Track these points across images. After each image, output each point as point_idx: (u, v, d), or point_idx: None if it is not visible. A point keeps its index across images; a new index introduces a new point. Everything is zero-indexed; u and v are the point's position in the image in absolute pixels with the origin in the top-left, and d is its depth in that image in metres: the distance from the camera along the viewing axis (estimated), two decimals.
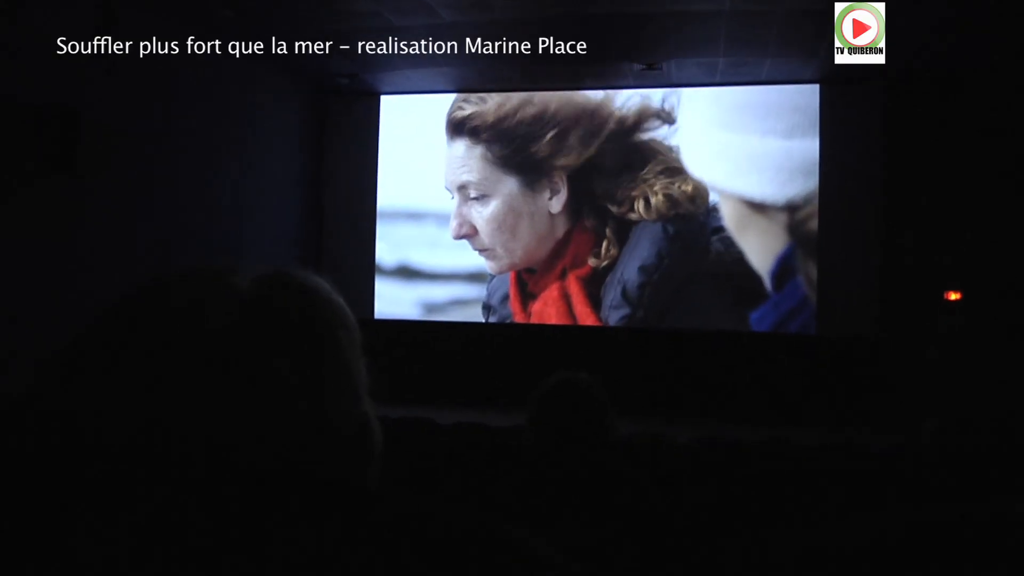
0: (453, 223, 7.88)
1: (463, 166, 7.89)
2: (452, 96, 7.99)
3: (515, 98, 7.85)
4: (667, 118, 7.59)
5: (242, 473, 0.53)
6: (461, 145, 7.95)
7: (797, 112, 7.32)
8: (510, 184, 7.79)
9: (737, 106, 7.41)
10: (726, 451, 3.61)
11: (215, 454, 0.52)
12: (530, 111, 7.82)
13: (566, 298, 7.70)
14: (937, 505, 0.67)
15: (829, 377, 7.14)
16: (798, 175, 7.26)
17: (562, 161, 7.71)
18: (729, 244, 7.40)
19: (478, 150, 7.88)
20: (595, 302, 7.68)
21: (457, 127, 7.97)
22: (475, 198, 7.82)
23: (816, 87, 7.34)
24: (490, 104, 7.90)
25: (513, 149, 7.80)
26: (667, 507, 1.74)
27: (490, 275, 7.96)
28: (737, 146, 7.36)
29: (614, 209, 7.63)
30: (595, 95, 7.74)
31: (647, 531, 1.66)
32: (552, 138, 7.74)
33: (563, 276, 7.72)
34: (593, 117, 7.71)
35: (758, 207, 7.33)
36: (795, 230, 7.32)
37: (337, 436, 0.58)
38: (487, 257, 7.89)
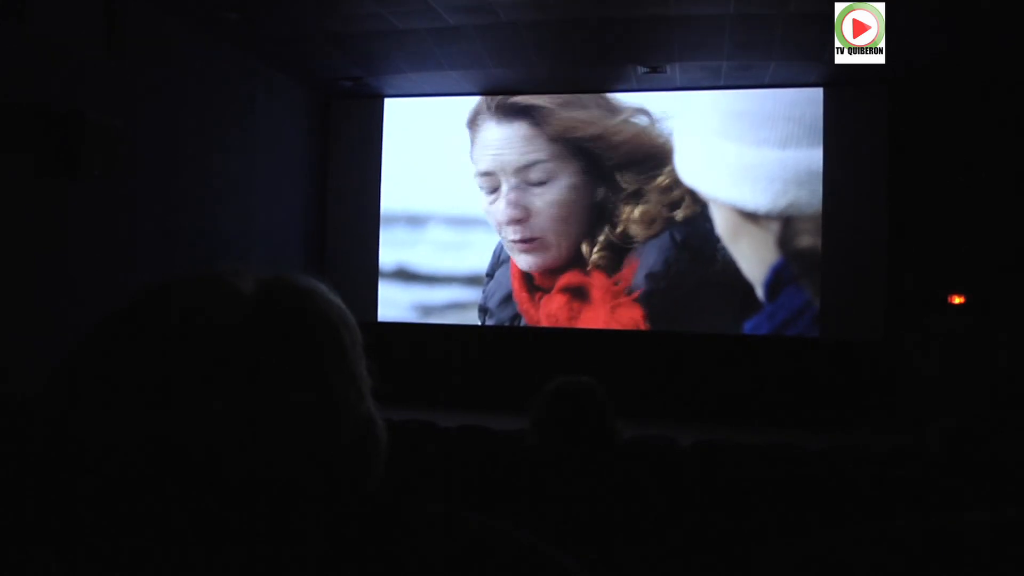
0: (505, 207, 7.64)
1: (527, 146, 7.67)
2: (456, 99, 7.98)
3: (580, 115, 7.68)
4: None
5: (249, 476, 0.53)
6: (523, 125, 7.73)
7: (791, 122, 7.28)
8: (575, 168, 7.62)
9: (732, 115, 7.38)
10: (730, 455, 3.60)
11: (222, 457, 0.52)
12: (591, 131, 7.65)
13: (584, 288, 7.63)
14: (943, 512, 0.66)
15: (835, 381, 7.12)
16: (792, 185, 7.23)
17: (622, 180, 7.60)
18: (728, 253, 7.40)
19: (547, 130, 7.68)
20: (611, 305, 7.60)
21: (519, 110, 7.76)
22: (537, 182, 7.61)
23: (819, 91, 7.33)
24: (560, 113, 7.71)
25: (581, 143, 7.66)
26: (671, 511, 1.74)
27: (487, 278, 7.90)
28: (731, 155, 7.33)
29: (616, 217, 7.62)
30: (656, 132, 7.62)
31: (651, 535, 1.65)
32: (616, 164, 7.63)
33: (585, 270, 7.66)
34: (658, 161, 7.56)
35: (751, 216, 7.31)
36: (789, 241, 7.29)
37: (343, 438, 0.58)
38: (528, 249, 7.66)
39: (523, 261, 7.74)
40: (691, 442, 3.77)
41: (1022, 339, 6.51)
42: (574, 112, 7.70)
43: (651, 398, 7.08)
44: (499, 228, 7.77)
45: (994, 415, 5.96)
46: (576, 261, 7.67)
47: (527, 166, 7.66)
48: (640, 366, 7.40)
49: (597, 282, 7.61)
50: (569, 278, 7.67)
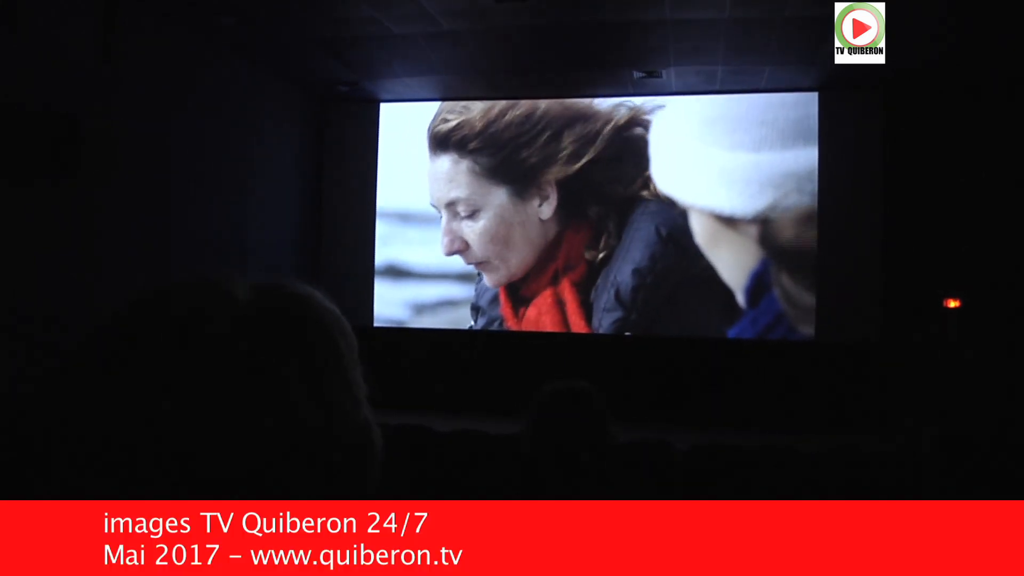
0: (444, 240, 7.84)
1: (450, 182, 7.84)
2: (451, 104, 7.99)
3: (501, 102, 7.82)
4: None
5: (246, 481, 0.53)
6: (446, 161, 7.88)
7: (766, 126, 7.31)
8: (500, 195, 7.75)
9: (709, 119, 7.40)
10: (726, 458, 3.60)
11: (219, 462, 0.52)
12: (518, 112, 7.78)
13: (560, 304, 7.69)
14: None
15: (831, 384, 7.12)
16: (771, 188, 7.26)
17: (555, 170, 7.68)
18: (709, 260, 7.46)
19: (464, 164, 7.83)
20: (588, 309, 7.67)
21: (441, 141, 7.91)
22: (466, 216, 7.77)
23: (805, 94, 7.36)
24: (475, 111, 7.84)
25: (502, 158, 7.76)
26: None
27: (479, 275, 7.95)
28: (710, 160, 7.35)
29: (620, 190, 7.58)
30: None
31: None
32: (544, 142, 7.71)
33: (556, 281, 7.70)
34: (587, 122, 7.68)
35: (729, 222, 7.34)
36: (770, 241, 7.31)
37: (339, 443, 0.58)
38: (483, 270, 7.85)
39: (487, 279, 7.87)
40: (687, 446, 3.77)
41: (1018, 342, 6.52)
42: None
43: (646, 402, 7.07)
44: None
45: (989, 419, 5.97)
46: (552, 276, 7.73)
47: (453, 202, 7.83)
48: (635, 370, 7.40)
49: (572, 306, 7.68)
50: (543, 299, 7.73)
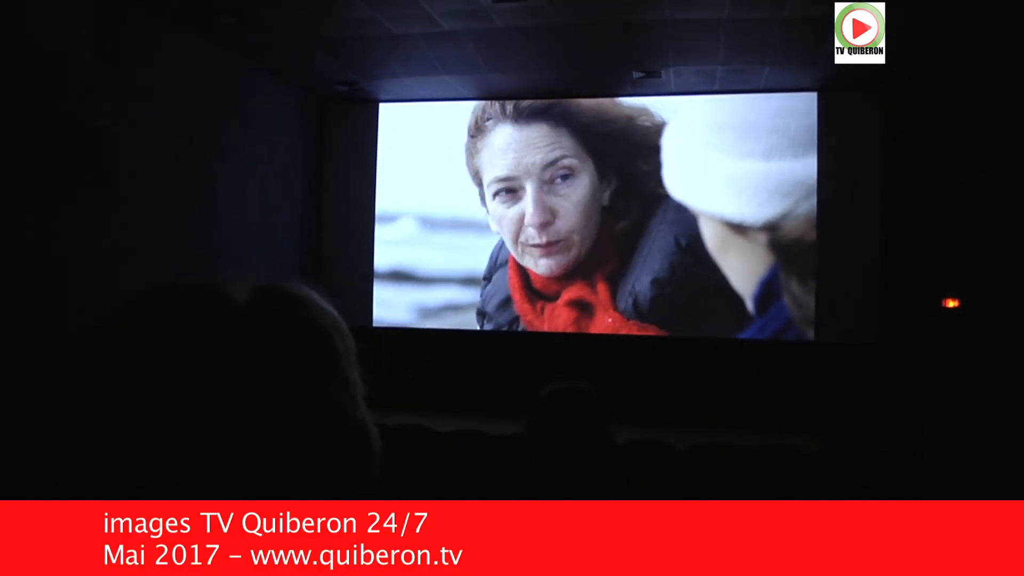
0: (533, 209, 7.64)
1: (551, 144, 7.70)
2: (451, 104, 7.99)
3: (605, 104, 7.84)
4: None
5: (246, 481, 0.53)
6: (543, 126, 7.73)
7: (777, 133, 7.30)
8: (590, 166, 7.67)
9: (719, 126, 7.40)
10: (726, 458, 3.60)
11: (218, 462, 0.53)
12: (605, 102, 7.74)
13: (589, 301, 7.63)
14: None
15: (831, 384, 7.13)
16: (779, 195, 7.26)
17: (617, 160, 7.66)
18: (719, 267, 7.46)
19: (565, 128, 7.71)
20: (616, 307, 7.60)
21: (536, 112, 7.77)
22: (563, 176, 7.61)
23: (809, 100, 7.35)
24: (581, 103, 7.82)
25: (591, 133, 7.71)
26: None
27: (484, 281, 7.90)
28: (720, 166, 7.34)
29: (641, 192, 7.58)
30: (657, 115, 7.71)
31: None
32: (620, 132, 7.67)
33: (588, 276, 7.65)
34: (645, 120, 7.66)
35: (739, 229, 7.33)
36: (778, 248, 7.30)
37: (339, 443, 0.58)
38: (549, 252, 7.65)
39: (543, 265, 7.69)
40: (687, 446, 3.77)
41: (1018, 343, 6.52)
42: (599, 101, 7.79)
43: (646, 402, 7.08)
44: (515, 235, 7.73)
45: (989, 420, 5.97)
46: (585, 269, 7.68)
47: (552, 163, 7.67)
48: (636, 370, 7.40)
49: (602, 298, 7.63)
50: (575, 291, 7.67)
